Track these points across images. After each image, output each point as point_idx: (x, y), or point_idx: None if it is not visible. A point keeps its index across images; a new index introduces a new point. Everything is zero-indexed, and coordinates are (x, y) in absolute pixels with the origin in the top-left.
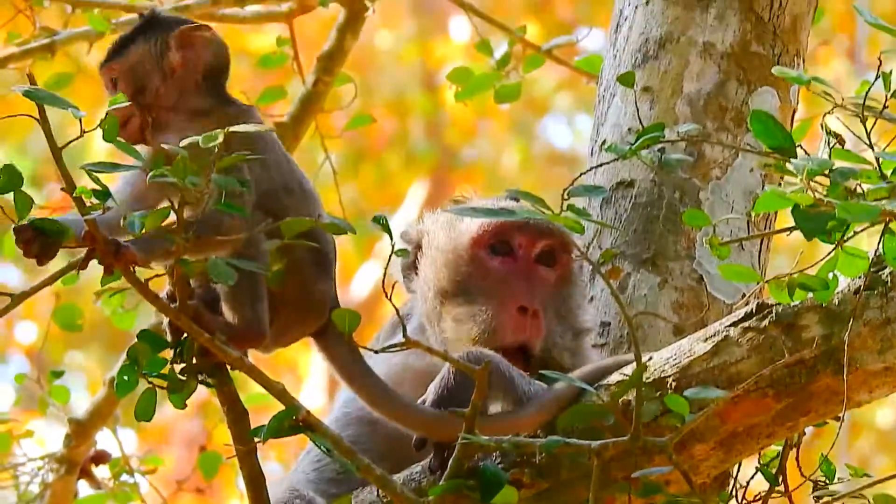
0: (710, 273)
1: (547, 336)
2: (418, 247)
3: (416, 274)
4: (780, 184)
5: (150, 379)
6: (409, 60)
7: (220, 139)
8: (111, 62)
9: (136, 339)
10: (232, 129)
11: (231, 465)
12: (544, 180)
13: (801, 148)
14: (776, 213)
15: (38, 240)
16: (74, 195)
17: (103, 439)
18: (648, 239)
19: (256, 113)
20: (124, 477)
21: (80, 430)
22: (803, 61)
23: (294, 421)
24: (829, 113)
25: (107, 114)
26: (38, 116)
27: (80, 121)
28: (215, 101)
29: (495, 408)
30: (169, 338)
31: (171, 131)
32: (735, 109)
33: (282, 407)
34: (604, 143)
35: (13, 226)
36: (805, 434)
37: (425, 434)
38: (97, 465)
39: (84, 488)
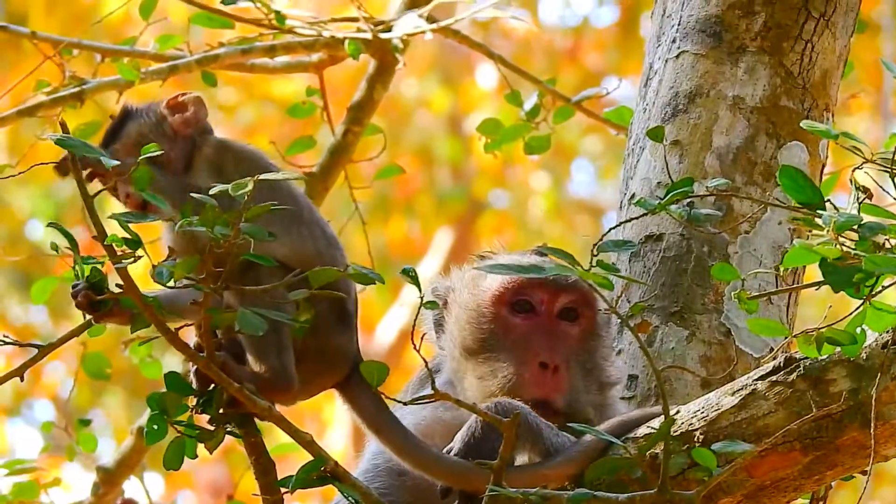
0: (738, 327)
1: (571, 391)
2: (445, 303)
3: (444, 331)
4: (808, 238)
5: (179, 428)
6: (436, 108)
7: (250, 187)
8: (114, 144)
9: (164, 382)
10: (262, 177)
11: None
12: (571, 227)
13: (830, 202)
14: (804, 266)
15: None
16: (105, 243)
17: (131, 487)
18: (677, 292)
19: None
20: None
21: (108, 478)
22: (832, 115)
23: (322, 472)
24: (858, 168)
25: (138, 163)
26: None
27: (111, 169)
28: (213, 139)
29: (522, 459)
30: (195, 386)
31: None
32: (764, 164)
33: (309, 457)
34: (633, 196)
35: (72, 286)
36: (832, 487)
37: (451, 484)
38: None
39: None
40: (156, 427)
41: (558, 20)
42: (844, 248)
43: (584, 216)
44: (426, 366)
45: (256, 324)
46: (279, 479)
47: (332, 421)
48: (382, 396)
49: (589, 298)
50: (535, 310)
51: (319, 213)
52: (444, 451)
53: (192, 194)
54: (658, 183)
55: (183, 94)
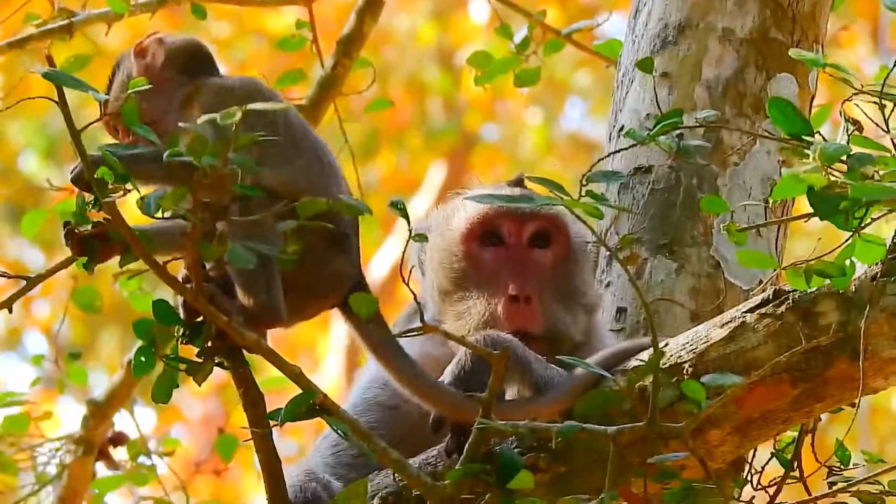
0: (727, 259)
1: (548, 318)
2: (423, 250)
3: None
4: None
5: (167, 361)
6: (426, 40)
7: (238, 116)
8: (106, 113)
9: (152, 311)
10: (250, 106)
11: (248, 447)
12: (566, 162)
13: (820, 134)
14: (793, 199)
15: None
16: (95, 177)
17: (121, 421)
18: (666, 225)
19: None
20: (142, 459)
21: (98, 411)
22: (822, 47)
23: (311, 405)
24: (848, 100)
25: (127, 97)
26: (56, 99)
27: (100, 103)
28: (200, 78)
29: (511, 391)
30: (183, 319)
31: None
32: (753, 95)
33: (299, 390)
34: (622, 128)
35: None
36: (821, 420)
37: (449, 415)
38: (115, 446)
39: (102, 470)
40: (143, 359)
41: None
42: (832, 178)
43: (576, 150)
44: (415, 299)
45: (245, 257)
46: (268, 412)
47: (326, 354)
48: (384, 321)
49: (558, 223)
50: (504, 241)
51: (319, 140)
52: None
53: (180, 124)
54: (647, 115)
55: (147, 37)
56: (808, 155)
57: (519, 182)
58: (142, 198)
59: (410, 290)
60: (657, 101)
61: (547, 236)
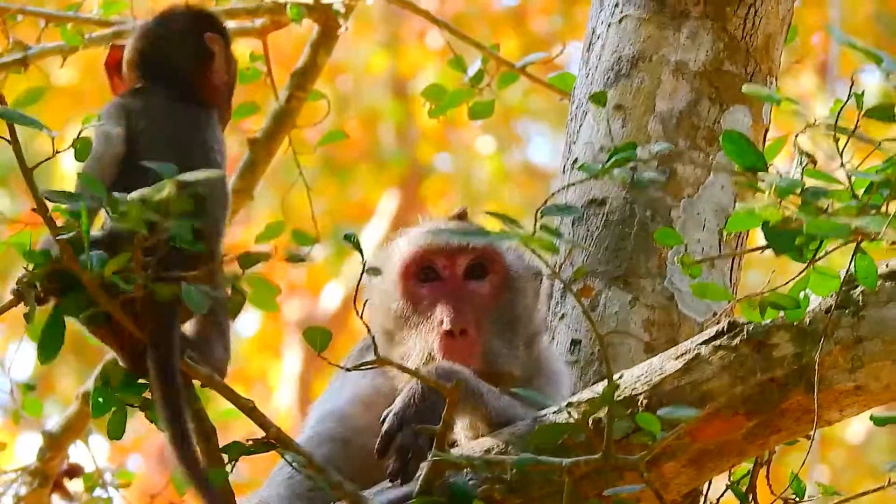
0: (682, 291)
1: (487, 352)
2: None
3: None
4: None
5: (119, 397)
6: (379, 69)
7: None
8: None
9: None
10: (181, 177)
11: None
12: (522, 190)
13: (774, 167)
14: (748, 231)
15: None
16: (47, 216)
17: (76, 452)
18: (620, 257)
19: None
20: (97, 491)
21: (54, 443)
22: (776, 80)
23: (264, 438)
24: (801, 132)
25: (79, 133)
26: (7, 138)
27: (53, 140)
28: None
29: (463, 422)
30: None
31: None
32: (707, 128)
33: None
34: (575, 161)
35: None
36: (775, 452)
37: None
38: (70, 478)
39: (57, 502)
40: (101, 400)
41: None
42: (787, 212)
43: (530, 178)
44: (368, 331)
45: (201, 302)
46: (222, 445)
47: (278, 384)
48: (326, 362)
49: (491, 252)
50: (440, 276)
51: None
52: (384, 414)
53: (114, 194)
54: (601, 147)
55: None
56: (761, 188)
57: (461, 216)
58: (86, 253)
59: (364, 322)
60: (611, 134)
61: (483, 267)
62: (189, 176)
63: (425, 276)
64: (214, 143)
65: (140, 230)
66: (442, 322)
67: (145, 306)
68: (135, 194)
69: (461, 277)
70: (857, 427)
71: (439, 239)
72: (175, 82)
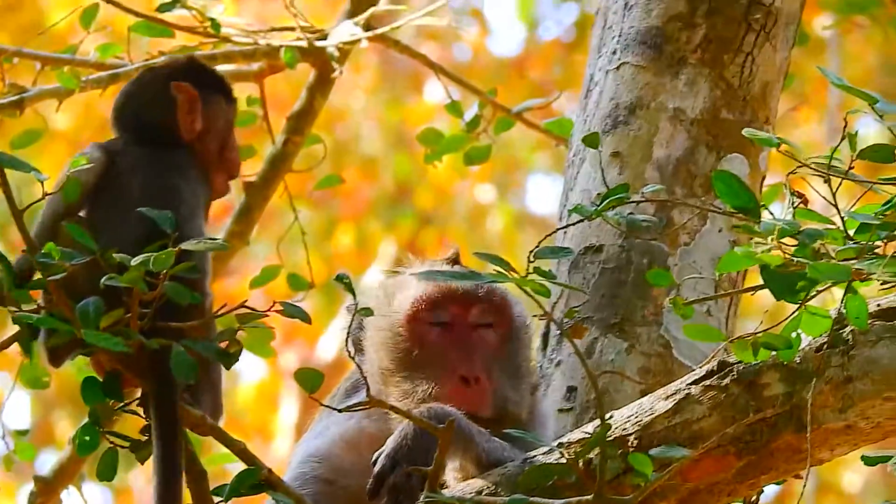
0: (678, 339)
1: (497, 399)
2: (360, 325)
3: (363, 352)
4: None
5: (111, 439)
6: (386, 123)
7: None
8: None
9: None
10: (183, 246)
11: None
12: (523, 243)
13: (769, 210)
14: (743, 278)
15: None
16: (38, 259)
17: (69, 498)
18: (616, 304)
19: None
20: None
21: (46, 488)
22: (773, 128)
23: (256, 480)
24: (792, 173)
25: (68, 177)
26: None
27: (42, 183)
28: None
29: (454, 464)
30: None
31: None
32: (704, 176)
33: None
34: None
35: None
36: (763, 492)
37: None
38: None
39: None
40: (87, 438)
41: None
42: (786, 256)
43: (532, 230)
44: (360, 371)
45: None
46: (215, 487)
47: (276, 434)
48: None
49: (501, 305)
50: (449, 323)
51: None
52: (376, 455)
53: (114, 254)
54: (598, 194)
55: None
56: (756, 231)
57: (455, 259)
58: (79, 305)
59: (356, 362)
60: (605, 181)
61: (491, 317)
62: (189, 245)
63: (435, 320)
64: (183, 189)
65: (140, 286)
66: (456, 369)
67: (143, 354)
68: (136, 260)
69: (471, 326)
70: (853, 476)
71: (454, 286)
72: (146, 132)
